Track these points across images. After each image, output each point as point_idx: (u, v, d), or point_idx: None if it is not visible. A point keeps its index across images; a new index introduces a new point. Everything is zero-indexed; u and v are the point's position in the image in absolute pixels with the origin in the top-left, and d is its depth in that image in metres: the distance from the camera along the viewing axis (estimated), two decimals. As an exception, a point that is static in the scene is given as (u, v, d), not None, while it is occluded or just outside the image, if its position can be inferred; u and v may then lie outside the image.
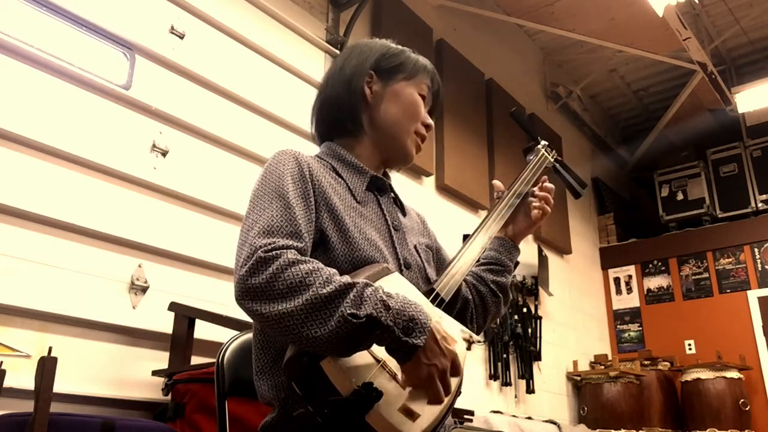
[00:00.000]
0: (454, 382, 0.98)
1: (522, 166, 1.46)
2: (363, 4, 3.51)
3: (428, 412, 0.95)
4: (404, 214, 1.32)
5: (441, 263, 1.35)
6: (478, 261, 1.34)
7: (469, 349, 1.09)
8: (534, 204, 1.38)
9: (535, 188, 1.41)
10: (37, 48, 2.13)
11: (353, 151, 1.25)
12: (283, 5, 3.19)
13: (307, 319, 0.90)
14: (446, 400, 0.96)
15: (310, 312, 0.90)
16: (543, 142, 1.51)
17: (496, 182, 1.42)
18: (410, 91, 1.27)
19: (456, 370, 0.98)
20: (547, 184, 1.42)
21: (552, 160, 1.50)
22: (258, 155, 2.78)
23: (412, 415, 0.93)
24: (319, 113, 1.30)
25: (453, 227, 3.72)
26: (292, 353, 0.94)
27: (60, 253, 2.08)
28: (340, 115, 1.26)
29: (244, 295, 0.94)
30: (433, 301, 1.10)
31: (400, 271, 1.14)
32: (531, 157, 1.48)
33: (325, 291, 0.91)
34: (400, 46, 1.32)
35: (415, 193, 3.78)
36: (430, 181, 3.98)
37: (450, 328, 1.03)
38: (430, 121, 1.30)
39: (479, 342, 1.23)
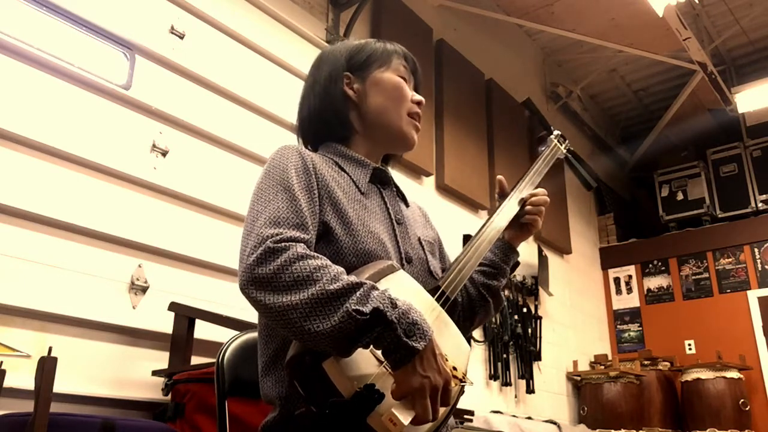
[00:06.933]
0: (441, 411, 0.94)
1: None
2: (363, 4, 3.51)
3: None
4: (407, 205, 1.32)
5: (442, 258, 1.34)
6: None
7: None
8: (527, 209, 1.32)
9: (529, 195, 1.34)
10: (37, 48, 2.13)
11: (351, 149, 1.25)
12: (283, 5, 3.19)
13: (310, 313, 0.90)
14: (431, 426, 0.94)
15: (315, 306, 0.90)
16: (556, 132, 1.49)
17: (500, 177, 1.36)
18: (389, 75, 1.26)
19: (446, 395, 0.93)
20: (542, 197, 1.35)
21: (564, 151, 1.48)
22: (258, 155, 2.78)
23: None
24: (307, 131, 1.29)
25: (453, 227, 3.73)
26: (294, 351, 0.93)
27: (60, 253, 2.08)
28: (327, 125, 1.25)
29: (249, 284, 0.94)
30: (438, 299, 1.09)
31: (402, 266, 1.14)
32: (543, 149, 1.45)
33: (332, 287, 0.91)
34: (362, 40, 1.31)
35: (415, 193, 3.78)
36: (430, 181, 3.98)
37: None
38: (419, 97, 1.29)
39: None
